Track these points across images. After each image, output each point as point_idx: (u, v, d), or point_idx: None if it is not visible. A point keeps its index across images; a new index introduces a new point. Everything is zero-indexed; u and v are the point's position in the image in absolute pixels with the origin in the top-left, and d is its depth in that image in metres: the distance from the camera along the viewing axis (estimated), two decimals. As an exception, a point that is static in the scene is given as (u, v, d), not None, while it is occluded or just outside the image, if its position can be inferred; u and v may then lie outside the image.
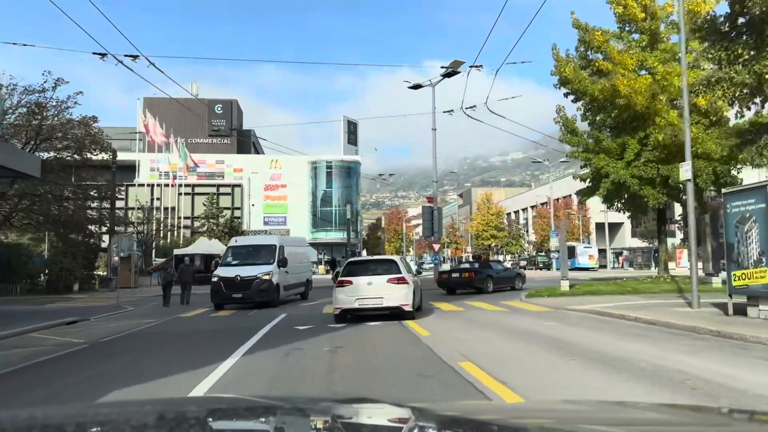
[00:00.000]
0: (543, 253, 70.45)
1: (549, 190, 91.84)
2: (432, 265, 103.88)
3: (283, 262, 20.74)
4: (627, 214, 27.62)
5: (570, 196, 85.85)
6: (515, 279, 27.37)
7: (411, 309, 14.44)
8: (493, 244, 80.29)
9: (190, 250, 41.49)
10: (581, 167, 25.71)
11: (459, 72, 29.52)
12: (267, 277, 19.85)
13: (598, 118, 25.52)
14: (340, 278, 15.01)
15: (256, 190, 70.78)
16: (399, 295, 14.26)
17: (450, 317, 15.57)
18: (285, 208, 71.93)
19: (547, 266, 66.24)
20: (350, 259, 18.14)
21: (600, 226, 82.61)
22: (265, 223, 71.75)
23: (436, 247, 31.02)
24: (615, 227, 77.76)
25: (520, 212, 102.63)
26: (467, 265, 29.53)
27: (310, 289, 26.24)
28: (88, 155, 36.10)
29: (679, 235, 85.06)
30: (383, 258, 16.84)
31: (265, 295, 19.89)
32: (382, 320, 14.99)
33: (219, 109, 74.64)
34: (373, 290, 14.24)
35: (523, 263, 74.77)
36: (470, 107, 24.71)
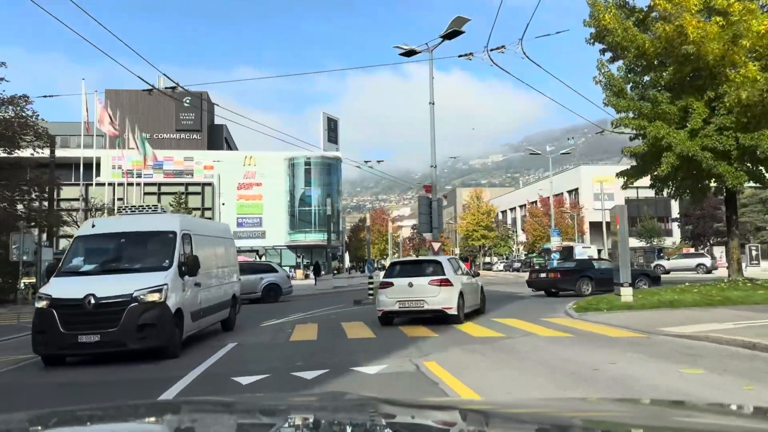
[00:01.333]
0: (537, 254, 64.73)
1: (548, 185, 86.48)
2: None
3: (190, 267, 11.01)
4: (687, 198, 21.65)
5: (562, 194, 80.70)
6: (637, 280, 20.61)
7: (455, 312, 13.29)
8: (484, 245, 74.55)
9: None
10: (631, 139, 19.72)
11: (462, 32, 23.49)
12: (155, 297, 9.93)
13: (646, 79, 19.68)
14: (382, 279, 14.42)
15: (229, 189, 64.19)
16: (442, 298, 13.28)
17: (496, 354, 9.39)
18: (260, 208, 65.49)
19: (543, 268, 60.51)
20: (393, 260, 16.91)
21: (594, 225, 77.44)
22: (239, 225, 65.18)
23: (436, 246, 24.94)
24: (607, 227, 72.27)
25: (508, 212, 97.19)
26: (572, 264, 25.31)
27: (238, 311, 15.43)
28: (19, 142, 29.74)
29: (677, 232, 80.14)
30: (427, 259, 15.59)
31: (152, 336, 9.83)
32: (389, 357, 9.02)
33: (187, 102, 67.91)
34: (414, 292, 13.43)
35: (517, 265, 69.07)
36: (497, 48, 18.59)
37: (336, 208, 51.68)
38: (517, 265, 69.19)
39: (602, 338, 10.65)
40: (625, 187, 20.91)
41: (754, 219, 56.52)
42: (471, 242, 73.64)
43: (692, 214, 66.53)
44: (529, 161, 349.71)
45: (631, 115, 18.64)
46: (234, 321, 14.53)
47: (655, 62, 19.38)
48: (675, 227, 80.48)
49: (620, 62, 20.14)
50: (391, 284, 13.63)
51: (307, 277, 51.38)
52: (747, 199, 58.96)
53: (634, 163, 19.89)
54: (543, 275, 22.71)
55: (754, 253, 50.91)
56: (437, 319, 13.41)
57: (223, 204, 53.00)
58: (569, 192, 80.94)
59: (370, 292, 21.69)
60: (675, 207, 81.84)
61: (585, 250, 61.09)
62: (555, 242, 50.44)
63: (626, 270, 15.33)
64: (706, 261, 48.89)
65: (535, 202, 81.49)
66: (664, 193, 20.71)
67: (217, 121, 74.21)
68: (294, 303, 24.15)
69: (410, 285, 13.39)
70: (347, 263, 61.28)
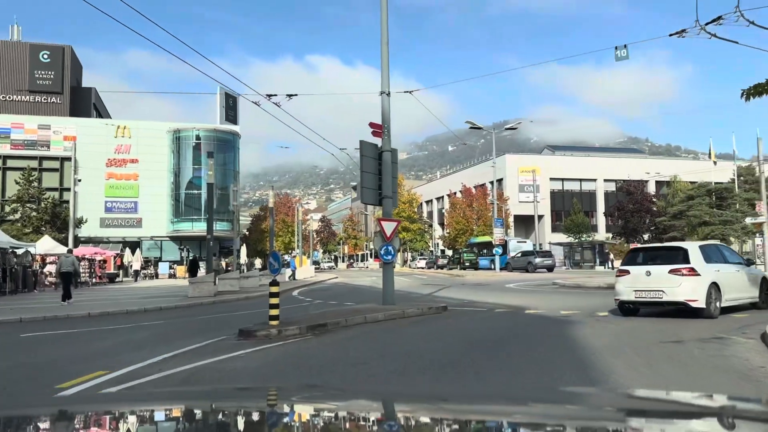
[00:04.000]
0: (467, 249, 55.56)
1: (471, 175, 77.67)
2: (330, 265, 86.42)
3: None
4: None
5: (484, 185, 72.35)
6: None
7: (702, 306, 11.32)
8: (403, 239, 64.58)
9: None
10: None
11: None
12: None
13: None
14: (619, 267, 13.03)
15: (95, 166, 50.27)
16: (684, 289, 11.46)
17: None
18: (136, 190, 52.01)
19: (474, 265, 51.41)
20: (633, 247, 16.19)
21: (519, 219, 69.61)
22: (108, 210, 51.48)
23: (389, 227, 14.29)
24: (532, 220, 64.50)
25: (424, 205, 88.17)
26: None
27: None
28: None
29: (603, 227, 73.76)
30: (670, 245, 13.84)
31: None
32: None
33: (45, 57, 53.20)
34: (651, 281, 11.92)
35: (442, 261, 59.67)
36: None
37: (233, 191, 39.82)
38: (442, 261, 59.75)
39: None
40: (748, 95, 11.25)
41: (702, 212, 49.81)
42: (389, 235, 63.36)
43: (625, 208, 59.93)
44: (433, 160, 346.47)
45: None
46: None
47: None
48: (601, 222, 74.24)
49: None
50: (628, 272, 12.33)
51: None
52: (695, 191, 52.43)
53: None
54: None
55: (714, 249, 44.17)
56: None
57: (80, 180, 39.70)
58: (492, 183, 72.20)
59: (274, 312, 10.65)
60: (601, 200, 75.77)
61: (520, 245, 52.77)
62: (498, 234, 41.05)
63: None
64: (533, 259, 42.43)
65: (456, 192, 72.68)
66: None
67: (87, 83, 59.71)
68: (134, 329, 12.60)
69: (648, 273, 11.99)
70: (244, 258, 49.33)
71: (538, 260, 42.33)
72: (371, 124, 14.25)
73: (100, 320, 14.37)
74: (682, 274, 11.57)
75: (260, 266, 47.00)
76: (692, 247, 12.47)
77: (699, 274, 11.54)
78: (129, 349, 9.40)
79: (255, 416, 1.86)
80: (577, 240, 60.39)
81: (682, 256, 12.03)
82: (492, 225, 59.37)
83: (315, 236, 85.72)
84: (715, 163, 51.53)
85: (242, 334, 10.23)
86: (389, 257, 14.42)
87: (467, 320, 12.06)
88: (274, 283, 10.87)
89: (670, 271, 11.70)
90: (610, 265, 49.59)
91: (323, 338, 9.98)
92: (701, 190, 52.59)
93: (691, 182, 59.75)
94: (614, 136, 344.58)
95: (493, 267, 44.33)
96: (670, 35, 13.66)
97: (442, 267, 57.44)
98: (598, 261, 51.80)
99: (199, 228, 50.25)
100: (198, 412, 1.96)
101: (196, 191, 52.14)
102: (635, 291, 12.02)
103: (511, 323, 11.30)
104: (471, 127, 40.83)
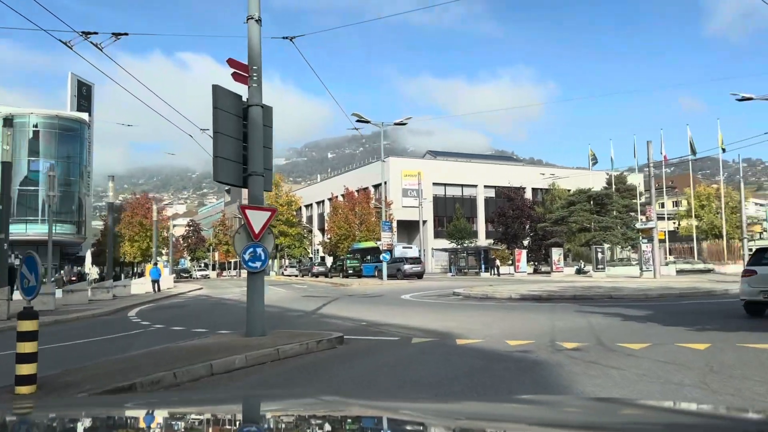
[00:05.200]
0: (350, 255, 51.37)
1: (356, 177, 73.45)
2: (205, 274, 78.35)
3: None
4: None
5: (368, 188, 68.73)
6: None
7: None
8: (281, 244, 59.04)
9: None
10: None
11: None
12: None
13: None
14: (745, 267, 12.49)
15: None
16: None
17: None
18: (-47, 184, 42.66)
19: (358, 272, 47.33)
20: (759, 246, 15.34)
21: (402, 224, 66.63)
22: None
23: (260, 218, 9.63)
24: (415, 226, 61.94)
25: (303, 210, 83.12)
26: None
27: None
28: None
29: (483, 234, 72.58)
30: None
31: None
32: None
33: None
34: None
35: (320, 269, 54.91)
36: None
37: (49, 176, 32.79)
38: (320, 269, 54.99)
39: None
40: None
41: (583, 218, 49.27)
42: (265, 241, 57.70)
43: (506, 214, 58.80)
44: (313, 166, 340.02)
45: None
46: None
47: None
48: (482, 228, 73.16)
49: None
50: (754, 272, 11.75)
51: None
52: (575, 197, 51.94)
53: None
54: None
55: (600, 256, 43.20)
56: None
57: None
58: (375, 186, 68.66)
59: (26, 371, 5.55)
60: (482, 206, 74.78)
61: (406, 250, 49.44)
62: (386, 239, 37.12)
63: None
64: (402, 266, 40.69)
65: (338, 196, 68.49)
66: None
67: None
68: None
69: None
70: (88, 267, 41.85)
71: (407, 267, 40.36)
72: (230, 62, 9.40)
73: None
74: None
75: (97, 276, 39.85)
76: None
77: None
78: None
79: None
80: (460, 245, 58.34)
81: None
82: (374, 230, 55.80)
83: (181, 242, 77.75)
84: (594, 163, 51.49)
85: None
86: (258, 264, 9.64)
87: (377, 367, 7.58)
88: (28, 314, 5.73)
89: None
90: (495, 272, 47.46)
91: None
92: (582, 196, 52.26)
93: (567, 189, 59.83)
94: (483, 149, 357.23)
95: (377, 274, 40.54)
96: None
97: (317, 275, 52.75)
98: (483, 267, 49.58)
99: (35, 231, 42.04)
100: None
101: (32, 188, 43.84)
102: (762, 291, 11.54)
103: (448, 371, 6.97)
104: (358, 120, 36.64)
